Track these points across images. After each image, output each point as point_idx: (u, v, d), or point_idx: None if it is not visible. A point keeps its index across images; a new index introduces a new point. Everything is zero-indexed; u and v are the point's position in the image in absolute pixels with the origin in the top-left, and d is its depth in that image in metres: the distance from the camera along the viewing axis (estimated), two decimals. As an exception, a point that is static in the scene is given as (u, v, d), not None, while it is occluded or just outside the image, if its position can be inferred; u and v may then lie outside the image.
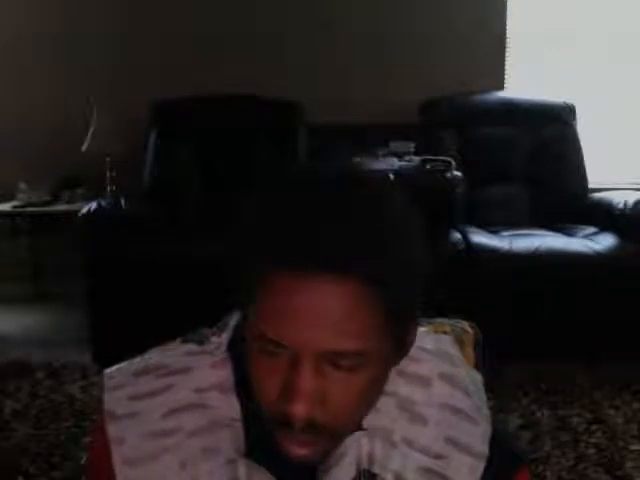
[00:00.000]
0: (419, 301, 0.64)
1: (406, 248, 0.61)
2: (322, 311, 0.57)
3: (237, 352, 0.70)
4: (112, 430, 0.68)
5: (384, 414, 0.69)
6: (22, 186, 3.61)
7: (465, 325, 0.82)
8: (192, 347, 0.72)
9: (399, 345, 0.65)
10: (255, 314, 0.60)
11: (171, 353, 0.72)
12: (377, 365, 0.62)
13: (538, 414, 2.36)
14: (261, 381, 0.62)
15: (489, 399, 0.75)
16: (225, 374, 0.69)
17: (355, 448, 0.67)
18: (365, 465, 0.68)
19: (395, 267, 0.59)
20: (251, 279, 0.60)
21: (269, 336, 0.59)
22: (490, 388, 0.76)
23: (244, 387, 0.67)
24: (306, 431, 0.60)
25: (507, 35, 3.68)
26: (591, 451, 2.13)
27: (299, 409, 0.58)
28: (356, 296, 0.57)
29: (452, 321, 0.82)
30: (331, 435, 0.63)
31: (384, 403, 0.69)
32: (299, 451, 0.62)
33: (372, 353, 0.60)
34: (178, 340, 0.74)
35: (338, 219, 0.57)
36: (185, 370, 0.70)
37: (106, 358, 2.60)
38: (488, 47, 3.65)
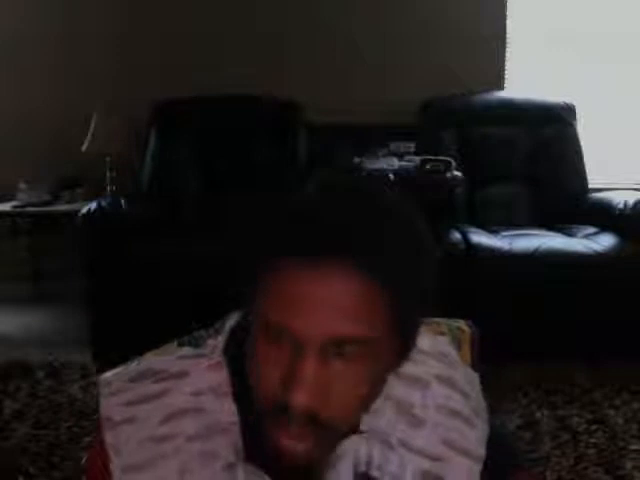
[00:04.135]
0: (425, 306, 0.66)
1: (411, 249, 0.63)
2: (328, 297, 0.59)
3: (233, 355, 0.69)
4: (110, 437, 0.68)
5: (382, 417, 0.69)
6: (22, 186, 3.60)
7: (462, 324, 0.82)
8: (188, 350, 0.71)
9: (401, 344, 0.65)
10: (261, 302, 0.61)
11: (167, 357, 0.72)
12: (379, 358, 0.63)
13: (538, 414, 2.36)
14: (263, 370, 0.62)
15: (485, 399, 0.75)
16: (221, 377, 0.69)
17: (353, 451, 0.67)
18: (363, 468, 0.68)
19: (399, 264, 0.61)
20: (259, 267, 0.62)
21: (274, 322, 0.60)
22: (486, 387, 0.76)
23: (240, 390, 0.67)
24: (304, 422, 0.60)
25: (507, 35, 3.68)
26: (591, 451, 2.12)
27: (300, 397, 0.59)
28: (361, 285, 0.59)
29: (449, 320, 0.82)
30: (327, 430, 0.62)
31: (382, 406, 0.69)
32: (294, 445, 0.62)
33: (375, 343, 0.61)
34: (174, 343, 0.74)
35: (345, 215, 0.60)
36: (181, 374, 0.69)
37: (106, 358, 2.62)
38: (488, 47, 3.65)
